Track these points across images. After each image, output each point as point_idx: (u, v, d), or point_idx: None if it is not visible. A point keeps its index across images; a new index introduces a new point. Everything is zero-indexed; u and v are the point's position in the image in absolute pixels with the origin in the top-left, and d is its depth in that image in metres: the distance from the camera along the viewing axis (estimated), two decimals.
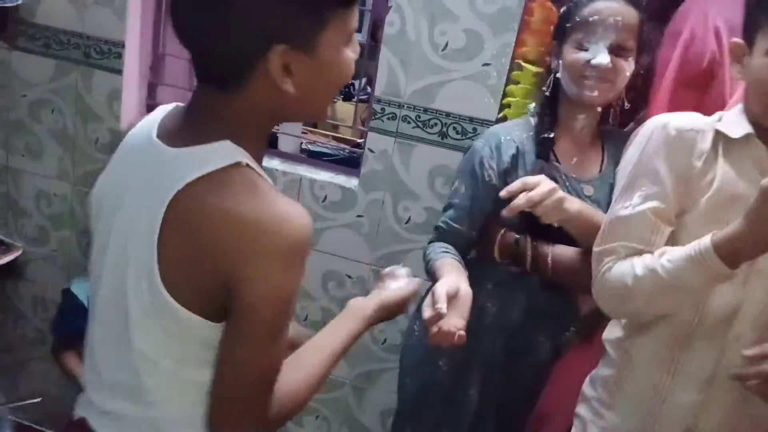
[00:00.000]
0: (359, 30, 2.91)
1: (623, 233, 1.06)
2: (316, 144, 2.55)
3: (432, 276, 1.31)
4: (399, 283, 1.10)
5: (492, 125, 1.74)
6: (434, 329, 1.12)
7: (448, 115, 1.75)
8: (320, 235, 1.93)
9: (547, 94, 1.37)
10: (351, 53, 0.82)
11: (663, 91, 1.34)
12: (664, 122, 1.06)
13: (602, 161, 1.39)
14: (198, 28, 0.76)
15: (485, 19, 1.66)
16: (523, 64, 1.61)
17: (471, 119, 1.74)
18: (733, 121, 1.03)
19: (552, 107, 1.37)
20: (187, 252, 0.75)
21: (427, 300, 1.16)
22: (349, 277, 1.95)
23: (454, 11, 1.68)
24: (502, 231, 1.34)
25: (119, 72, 1.95)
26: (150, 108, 2.09)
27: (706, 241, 0.96)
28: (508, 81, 1.68)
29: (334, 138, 2.80)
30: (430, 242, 1.42)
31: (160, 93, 2.09)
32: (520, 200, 1.19)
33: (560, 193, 1.22)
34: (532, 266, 1.32)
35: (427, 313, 1.14)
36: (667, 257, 1.00)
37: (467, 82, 1.71)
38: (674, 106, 1.27)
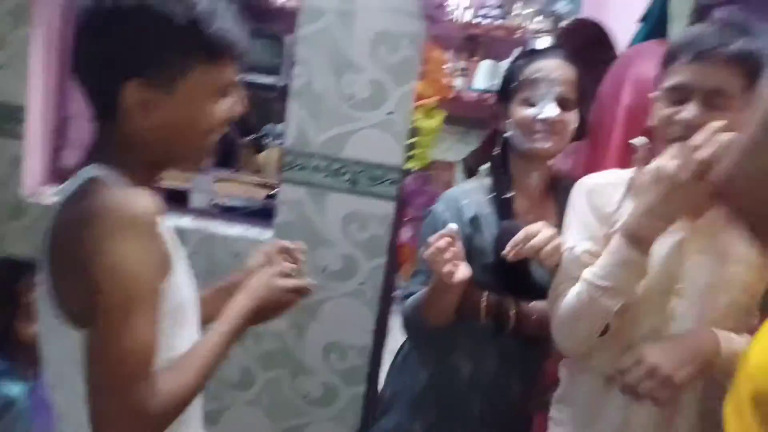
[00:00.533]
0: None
1: (567, 274, 1.16)
2: (228, 197, 2.52)
3: (421, 311, 1.30)
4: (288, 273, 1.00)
5: (400, 171, 1.79)
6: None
7: (357, 162, 1.80)
8: None
9: (497, 154, 1.42)
10: (220, 108, 0.86)
11: (613, 149, 1.50)
12: (587, 181, 1.20)
13: (557, 213, 1.40)
14: (75, 58, 0.82)
15: (388, 69, 1.74)
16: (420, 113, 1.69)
17: (380, 166, 1.79)
18: None
19: (505, 166, 1.42)
20: (61, 270, 0.79)
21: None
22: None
23: (359, 63, 1.75)
24: (486, 293, 1.34)
25: (22, 137, 1.89)
26: (55, 172, 2.03)
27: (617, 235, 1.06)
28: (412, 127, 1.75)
29: (256, 184, 2.76)
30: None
31: (67, 156, 2.04)
32: (527, 247, 1.20)
33: (558, 237, 1.26)
34: (516, 324, 1.33)
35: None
36: (594, 266, 1.09)
37: (374, 131, 1.77)
38: (625, 159, 1.37)
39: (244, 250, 1.87)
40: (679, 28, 2.42)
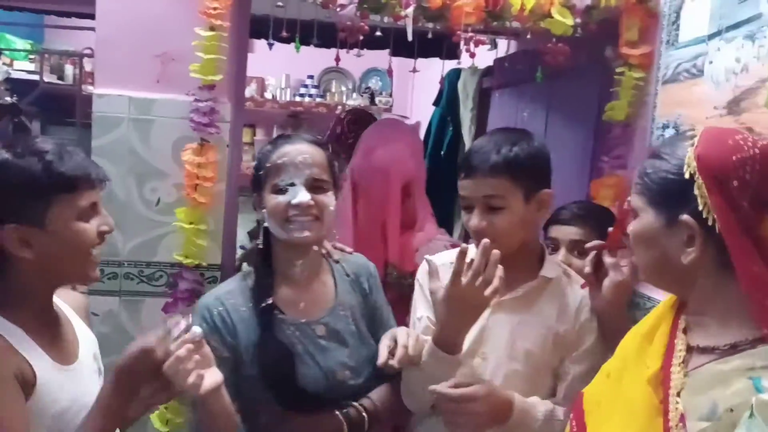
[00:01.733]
0: None
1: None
2: None
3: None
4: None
5: (218, 269, 1.81)
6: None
7: (172, 265, 1.79)
8: None
9: (260, 246, 1.37)
10: (87, 225, 1.06)
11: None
12: (429, 261, 1.30)
13: (334, 292, 1.41)
14: None
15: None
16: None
17: (197, 266, 1.78)
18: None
19: (267, 260, 1.37)
20: None
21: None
22: None
23: (163, 169, 1.77)
24: (339, 413, 1.31)
25: None
26: None
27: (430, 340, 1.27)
28: (226, 224, 1.79)
29: None
30: None
31: None
32: (401, 361, 1.27)
33: (414, 332, 1.34)
34: (372, 425, 1.33)
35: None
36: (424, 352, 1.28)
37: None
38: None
39: None
40: (467, 108, 2.76)
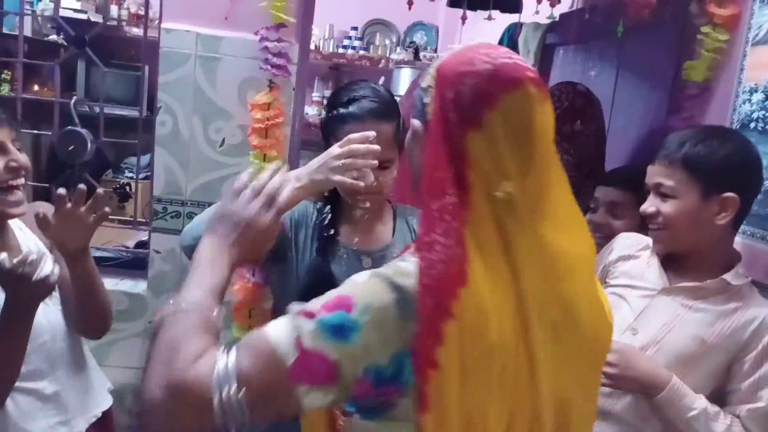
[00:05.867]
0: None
1: None
2: (94, 247, 2.39)
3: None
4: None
5: None
6: None
7: None
8: (108, 350, 1.79)
9: (327, 194, 1.41)
10: None
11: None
12: None
13: (392, 234, 1.46)
14: None
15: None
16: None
17: None
18: None
19: (335, 198, 1.41)
20: None
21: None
22: None
23: (228, 110, 1.74)
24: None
25: None
26: None
27: None
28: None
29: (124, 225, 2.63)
30: None
31: None
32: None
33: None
34: None
35: None
36: None
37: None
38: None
39: (117, 304, 1.78)
40: (528, 62, 2.66)
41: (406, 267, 0.77)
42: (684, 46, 1.74)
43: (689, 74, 1.70)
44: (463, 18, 2.02)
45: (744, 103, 1.57)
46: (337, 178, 1.16)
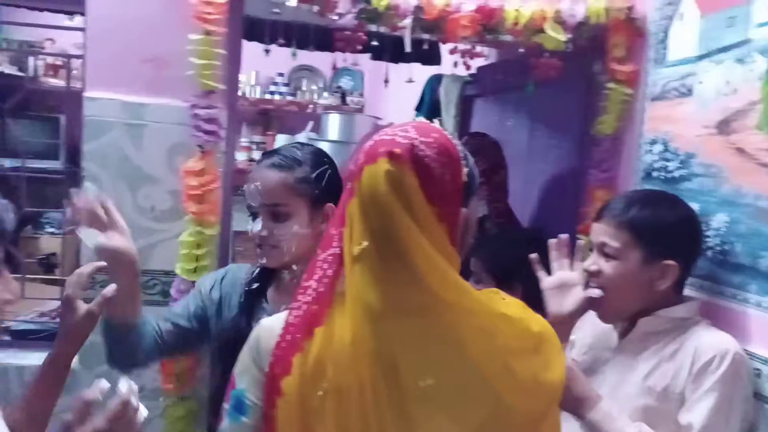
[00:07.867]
0: None
1: None
2: (16, 318, 2.28)
3: None
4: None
5: None
6: None
7: (167, 273, 1.76)
8: None
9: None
10: None
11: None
12: None
13: None
14: None
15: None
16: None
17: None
18: None
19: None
20: None
21: None
22: None
23: (156, 176, 1.74)
24: None
25: None
26: None
27: None
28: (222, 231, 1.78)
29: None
30: None
31: None
32: None
33: None
34: None
35: None
36: None
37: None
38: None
39: None
40: (449, 114, 2.79)
41: (265, 321, 0.98)
42: (591, 101, 1.87)
43: (600, 129, 1.82)
44: (386, 81, 2.11)
45: (646, 153, 1.71)
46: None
